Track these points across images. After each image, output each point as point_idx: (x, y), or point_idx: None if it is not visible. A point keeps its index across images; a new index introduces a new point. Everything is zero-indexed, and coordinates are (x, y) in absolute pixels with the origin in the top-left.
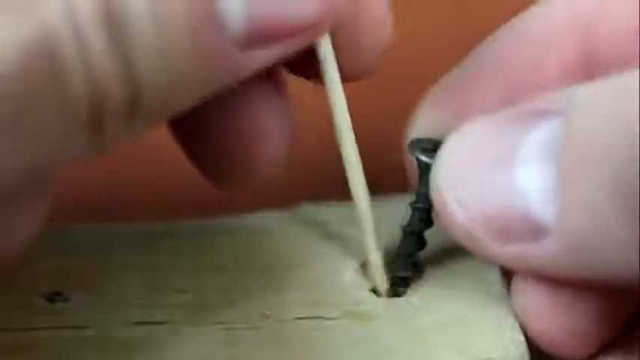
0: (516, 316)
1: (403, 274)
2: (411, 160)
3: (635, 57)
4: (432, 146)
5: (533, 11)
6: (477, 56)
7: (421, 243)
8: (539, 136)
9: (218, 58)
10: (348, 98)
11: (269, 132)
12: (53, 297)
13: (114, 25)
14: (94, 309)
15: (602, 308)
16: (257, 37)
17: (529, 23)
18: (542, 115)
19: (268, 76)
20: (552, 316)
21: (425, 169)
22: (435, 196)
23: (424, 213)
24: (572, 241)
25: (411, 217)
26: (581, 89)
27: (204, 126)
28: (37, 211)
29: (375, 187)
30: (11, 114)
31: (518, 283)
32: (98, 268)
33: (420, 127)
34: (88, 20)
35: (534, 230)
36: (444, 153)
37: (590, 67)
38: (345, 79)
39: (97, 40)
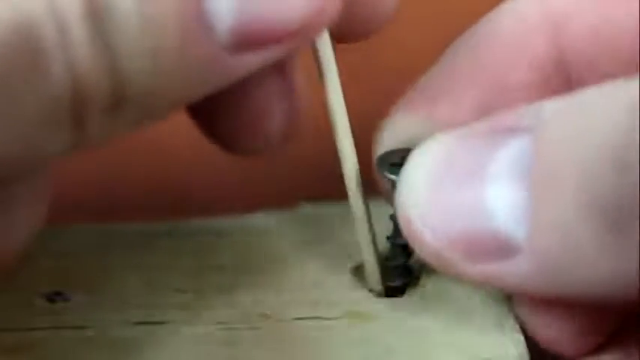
0: (516, 316)
1: (396, 283)
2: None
3: (604, 54)
4: (401, 160)
5: (504, 9)
6: (448, 59)
7: (408, 253)
8: (509, 153)
9: (206, 61)
10: (345, 96)
11: (272, 108)
12: (53, 297)
13: (98, 19)
14: (94, 309)
15: (600, 307)
16: (245, 41)
17: (499, 23)
18: (511, 131)
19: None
20: (551, 316)
21: (395, 186)
22: (399, 215)
23: None
24: (543, 259)
25: (394, 230)
26: (548, 105)
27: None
28: (36, 209)
29: (374, 186)
30: None
31: None
32: (98, 268)
33: (391, 136)
34: (72, 12)
35: (505, 249)
36: (408, 170)
37: (561, 64)
38: (355, 39)
39: (80, 33)
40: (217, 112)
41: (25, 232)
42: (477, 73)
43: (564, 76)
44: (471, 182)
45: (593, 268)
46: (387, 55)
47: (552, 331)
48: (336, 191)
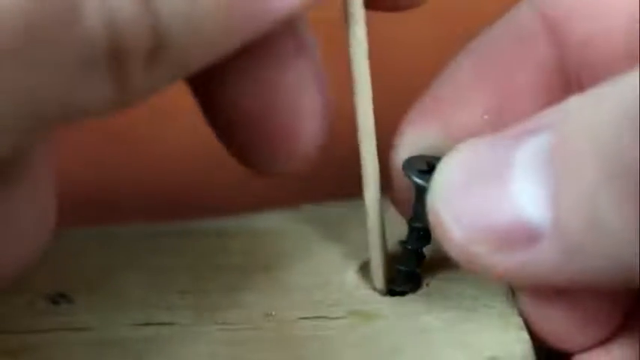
0: (521, 314)
1: (400, 288)
2: (397, 178)
3: (601, 53)
4: (427, 166)
5: (503, 19)
6: (453, 69)
7: (419, 259)
8: (532, 147)
9: (245, 7)
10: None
11: (296, 109)
12: (56, 298)
13: None
14: (97, 310)
15: (605, 299)
16: None
17: (501, 29)
18: (534, 130)
19: (297, 49)
20: (556, 310)
21: (421, 191)
22: (431, 217)
23: (422, 231)
24: (567, 239)
25: (409, 235)
26: (568, 102)
27: (235, 105)
28: (38, 226)
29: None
30: (13, 50)
31: None
32: (101, 269)
33: (409, 144)
34: None
35: (531, 236)
36: (438, 176)
37: (564, 63)
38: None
39: None
40: (238, 114)
41: (26, 250)
42: (485, 79)
43: (569, 76)
44: (497, 178)
45: (616, 240)
46: (387, 54)
47: (557, 327)
48: (339, 191)
